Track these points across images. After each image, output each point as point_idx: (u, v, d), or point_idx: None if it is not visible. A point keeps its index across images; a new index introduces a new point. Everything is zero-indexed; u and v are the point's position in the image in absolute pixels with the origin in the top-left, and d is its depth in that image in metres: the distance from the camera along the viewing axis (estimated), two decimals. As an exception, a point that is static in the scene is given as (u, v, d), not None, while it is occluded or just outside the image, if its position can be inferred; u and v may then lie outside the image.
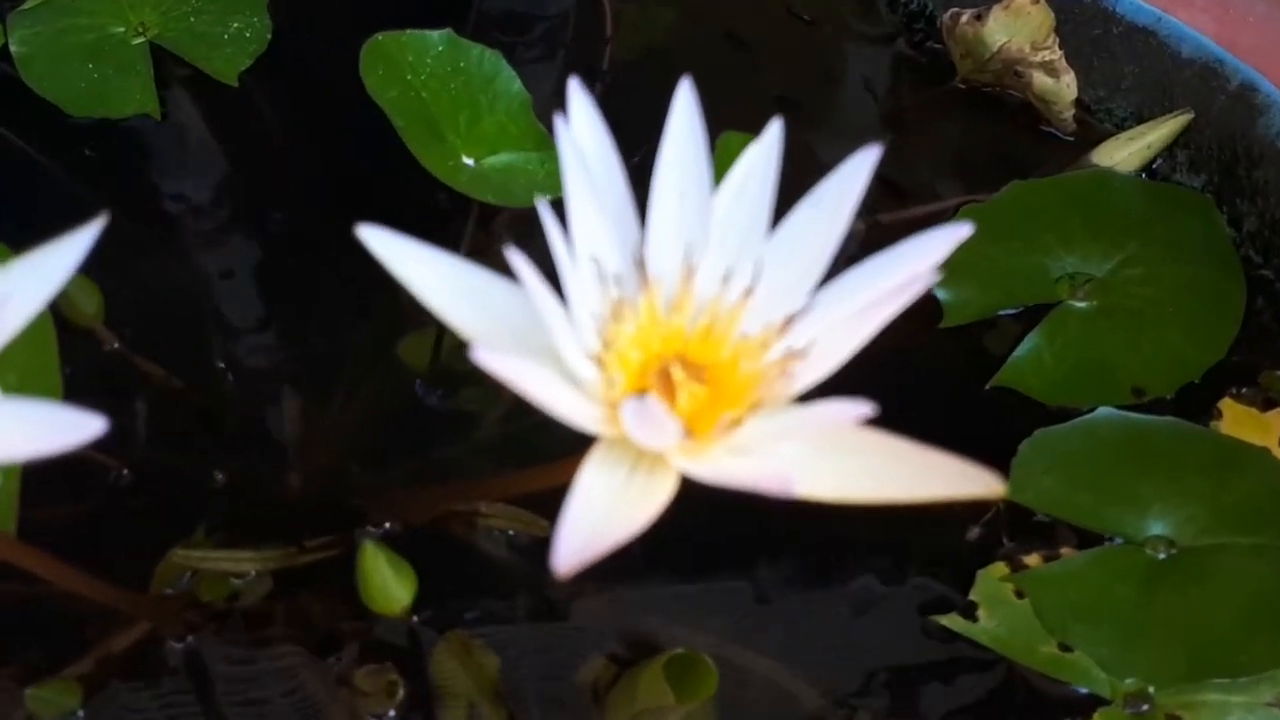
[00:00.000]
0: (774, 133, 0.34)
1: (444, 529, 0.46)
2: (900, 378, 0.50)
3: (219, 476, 0.47)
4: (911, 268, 0.32)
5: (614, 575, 0.45)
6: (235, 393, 0.50)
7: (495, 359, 0.28)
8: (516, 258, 0.29)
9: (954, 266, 0.51)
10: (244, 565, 0.45)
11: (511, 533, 0.46)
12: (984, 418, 0.50)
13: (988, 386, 0.50)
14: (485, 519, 0.46)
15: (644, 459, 0.32)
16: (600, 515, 0.30)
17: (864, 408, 0.29)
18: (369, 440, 0.50)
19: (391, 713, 0.43)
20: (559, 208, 0.32)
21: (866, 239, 0.52)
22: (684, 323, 0.34)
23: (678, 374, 0.33)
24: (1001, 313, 0.52)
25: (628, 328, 0.33)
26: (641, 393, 0.32)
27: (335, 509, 0.46)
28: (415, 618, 0.44)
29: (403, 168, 0.51)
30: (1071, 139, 0.59)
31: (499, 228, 0.54)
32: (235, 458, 0.48)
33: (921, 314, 0.51)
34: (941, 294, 0.52)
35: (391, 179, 0.53)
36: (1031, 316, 0.52)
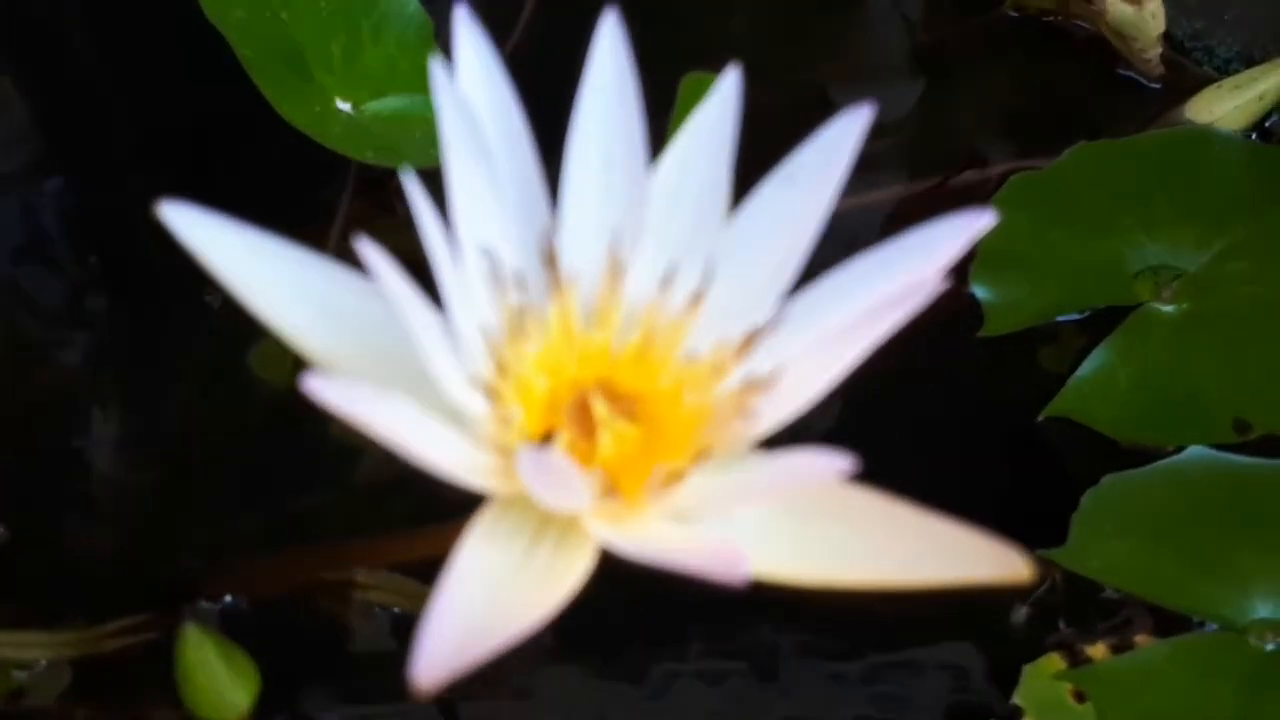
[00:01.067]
0: (731, 82, 0.34)
1: (307, 604, 0.46)
2: (920, 407, 0.50)
3: (-1, 530, 0.47)
4: (912, 270, 0.31)
5: (539, 671, 0.46)
6: (22, 416, 0.50)
7: (330, 388, 0.27)
8: (367, 247, 0.29)
9: (998, 256, 0.53)
10: (30, 651, 0.44)
11: (398, 610, 0.46)
12: (1034, 459, 0.50)
13: (1040, 417, 0.49)
14: (363, 591, 0.46)
15: (550, 526, 0.32)
16: (484, 606, 0.30)
17: (844, 461, 0.28)
18: (208, 482, 0.50)
19: None
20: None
21: (876, 222, 0.52)
22: (609, 339, 0.34)
23: (599, 408, 0.32)
24: (1061, 319, 0.52)
25: (531, 346, 0.33)
26: (547, 435, 0.32)
27: (158, 576, 0.46)
28: (265, 726, 0.44)
29: (255, 115, 0.50)
30: (1157, 87, 0.59)
31: (391, 198, 0.53)
32: (21, 505, 0.48)
33: (953, 319, 0.51)
34: (982, 293, 0.52)
35: (239, 130, 0.53)
36: (1101, 324, 0.51)
